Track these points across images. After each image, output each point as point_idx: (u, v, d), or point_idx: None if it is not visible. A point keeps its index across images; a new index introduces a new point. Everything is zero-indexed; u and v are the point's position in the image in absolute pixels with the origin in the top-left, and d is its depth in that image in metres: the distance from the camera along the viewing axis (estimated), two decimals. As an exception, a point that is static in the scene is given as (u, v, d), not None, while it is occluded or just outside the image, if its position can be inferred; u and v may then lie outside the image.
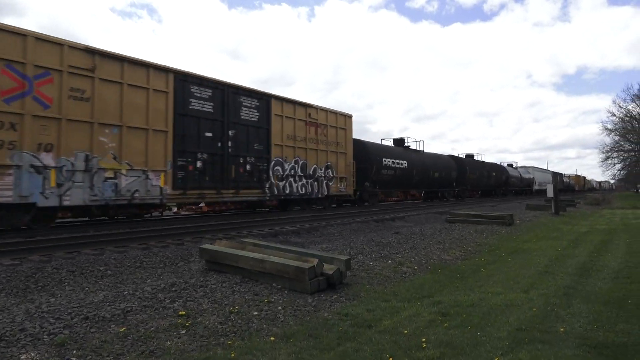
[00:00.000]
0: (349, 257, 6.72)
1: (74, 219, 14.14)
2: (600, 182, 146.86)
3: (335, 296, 5.79)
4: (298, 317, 4.98)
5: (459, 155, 37.82)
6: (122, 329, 4.30)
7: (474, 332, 4.39)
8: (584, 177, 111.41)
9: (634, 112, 57.11)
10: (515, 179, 49.89)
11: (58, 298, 5.35)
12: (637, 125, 56.11)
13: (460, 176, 34.25)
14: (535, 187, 58.79)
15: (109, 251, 8.14)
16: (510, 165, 53.53)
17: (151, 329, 4.37)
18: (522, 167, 58.98)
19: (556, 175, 70.57)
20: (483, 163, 41.84)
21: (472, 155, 41.32)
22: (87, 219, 14.07)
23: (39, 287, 5.94)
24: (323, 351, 3.96)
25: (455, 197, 34.82)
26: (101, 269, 6.93)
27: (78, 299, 5.26)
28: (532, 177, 57.47)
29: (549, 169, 70.01)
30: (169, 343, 4.09)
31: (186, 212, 18.93)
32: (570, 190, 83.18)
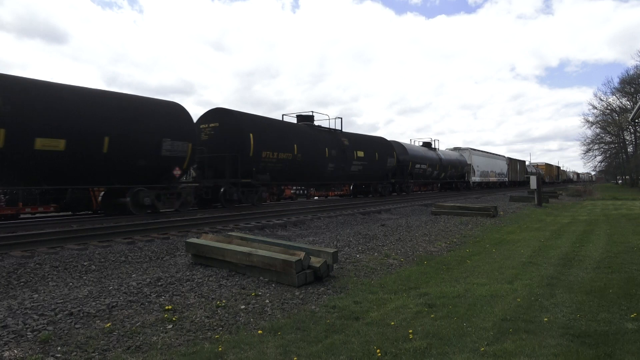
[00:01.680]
0: (335, 249, 6.73)
1: (56, 214, 13.92)
2: (578, 174, 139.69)
3: (323, 289, 5.80)
4: (285, 310, 4.98)
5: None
6: (108, 325, 4.25)
7: (460, 322, 4.44)
8: (558, 167, 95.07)
9: (614, 105, 58.39)
10: (427, 167, 31.49)
11: (41, 294, 5.27)
12: (617, 117, 57.21)
13: (240, 158, 15.94)
14: (475, 179, 41.08)
15: (93, 246, 8.03)
16: (426, 144, 35.23)
17: (137, 324, 4.33)
18: (454, 148, 41.59)
19: (515, 163, 56.76)
20: (331, 132, 21.92)
21: (310, 118, 21.55)
22: (70, 213, 13.91)
23: (22, 283, 5.85)
24: (311, 344, 3.96)
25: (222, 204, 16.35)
26: (85, 264, 6.84)
27: (62, 294, 5.19)
28: (468, 163, 39.75)
29: (499, 154, 52.69)
30: (155, 338, 4.06)
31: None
32: None
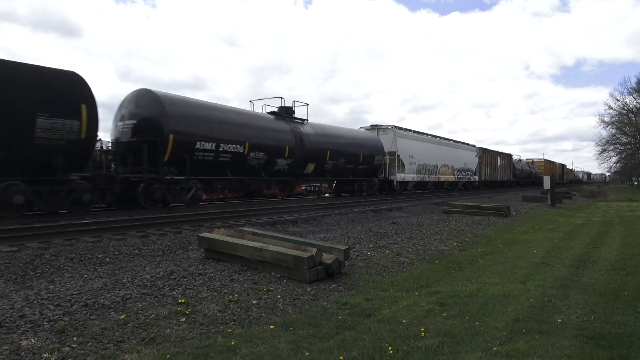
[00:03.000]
0: (347, 246, 6.74)
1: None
2: (589, 174, 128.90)
3: (334, 285, 5.81)
4: (297, 306, 5.00)
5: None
6: (122, 317, 4.31)
7: (472, 322, 4.42)
8: (562, 165, 78.37)
9: (630, 105, 57.30)
10: (245, 151, 15.72)
11: (57, 285, 5.35)
12: (633, 118, 56.30)
13: None
14: (405, 176, 25.92)
15: (107, 238, 8.13)
16: (282, 110, 19.49)
17: (151, 317, 4.38)
18: (372, 126, 26.28)
19: (493, 157, 42.27)
20: None
21: None
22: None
23: (38, 274, 5.94)
24: (322, 340, 3.98)
25: None
26: (100, 256, 6.93)
27: (77, 286, 5.27)
28: (387, 151, 24.64)
29: (465, 142, 36.83)
30: (169, 330, 4.11)
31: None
32: (532, 182, 57.29)
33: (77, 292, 4.94)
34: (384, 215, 14.98)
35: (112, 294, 4.93)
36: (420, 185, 30.18)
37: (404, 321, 4.46)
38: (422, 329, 4.20)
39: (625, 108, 58.57)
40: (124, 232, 8.78)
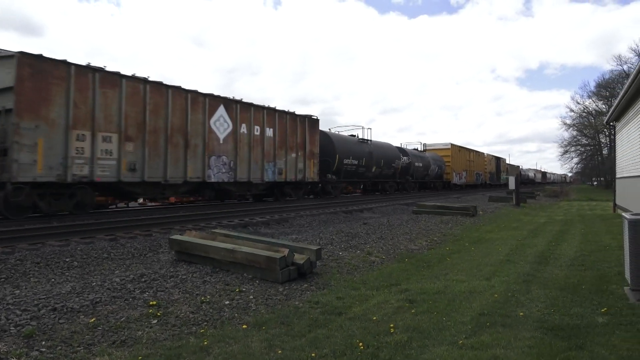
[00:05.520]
0: (319, 247, 6.82)
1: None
2: (545, 173, 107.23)
3: (306, 285, 5.89)
4: (269, 306, 5.05)
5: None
6: (92, 320, 4.27)
7: (440, 317, 4.58)
8: (498, 159, 53.50)
9: (590, 108, 59.76)
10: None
11: (23, 290, 5.24)
12: (593, 120, 58.63)
13: None
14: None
15: (74, 242, 7.96)
16: None
17: (122, 319, 4.35)
18: None
19: (193, 101, 13.73)
20: None
21: None
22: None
23: (2, 279, 5.78)
24: (295, 338, 4.05)
25: None
26: (67, 260, 6.79)
27: (44, 290, 5.16)
28: None
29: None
30: (140, 333, 4.09)
31: (153, 204, 18.58)
32: (415, 182, 32.33)
33: (44, 296, 4.85)
34: (356, 216, 15.17)
35: (81, 297, 4.85)
36: None
37: (374, 318, 4.57)
38: (392, 325, 4.32)
39: (586, 111, 61.07)
40: (92, 235, 8.62)
